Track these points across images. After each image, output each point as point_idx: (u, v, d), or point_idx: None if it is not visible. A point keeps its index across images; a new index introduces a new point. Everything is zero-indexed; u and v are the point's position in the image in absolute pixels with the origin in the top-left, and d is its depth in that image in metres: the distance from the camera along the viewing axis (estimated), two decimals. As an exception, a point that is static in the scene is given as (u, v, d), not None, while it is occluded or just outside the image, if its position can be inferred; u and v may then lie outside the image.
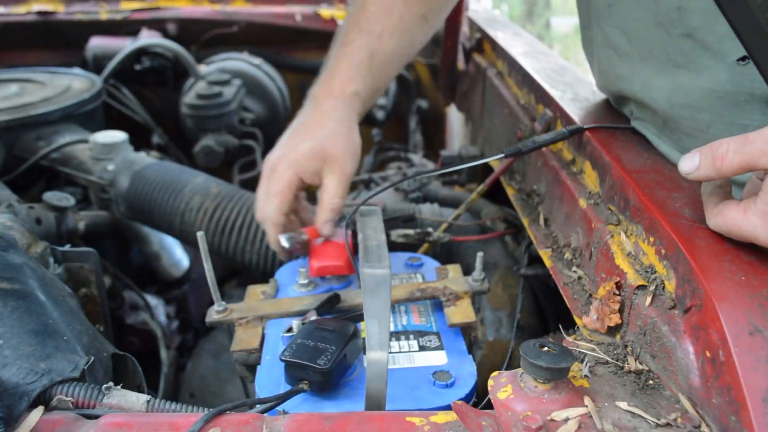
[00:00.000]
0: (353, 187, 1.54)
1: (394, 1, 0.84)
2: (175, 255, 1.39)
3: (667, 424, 0.43)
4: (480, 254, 0.71)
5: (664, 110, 0.65)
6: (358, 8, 0.85)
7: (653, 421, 0.43)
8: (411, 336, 0.68)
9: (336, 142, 0.76)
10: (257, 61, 1.81)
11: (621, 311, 0.55)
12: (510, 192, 0.92)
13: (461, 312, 0.69)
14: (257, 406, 0.53)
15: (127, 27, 1.84)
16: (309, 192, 0.85)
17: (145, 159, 1.21)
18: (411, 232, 0.93)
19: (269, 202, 0.76)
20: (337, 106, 0.79)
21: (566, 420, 0.42)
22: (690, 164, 0.48)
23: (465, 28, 1.52)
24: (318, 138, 0.76)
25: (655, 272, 0.52)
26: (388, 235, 0.88)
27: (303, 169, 0.75)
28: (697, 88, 0.60)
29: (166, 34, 1.85)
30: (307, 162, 0.75)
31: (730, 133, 0.59)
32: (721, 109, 0.59)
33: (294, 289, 0.76)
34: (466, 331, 0.69)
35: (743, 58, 0.55)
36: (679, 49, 0.60)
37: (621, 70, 0.71)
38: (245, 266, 1.04)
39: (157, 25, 1.86)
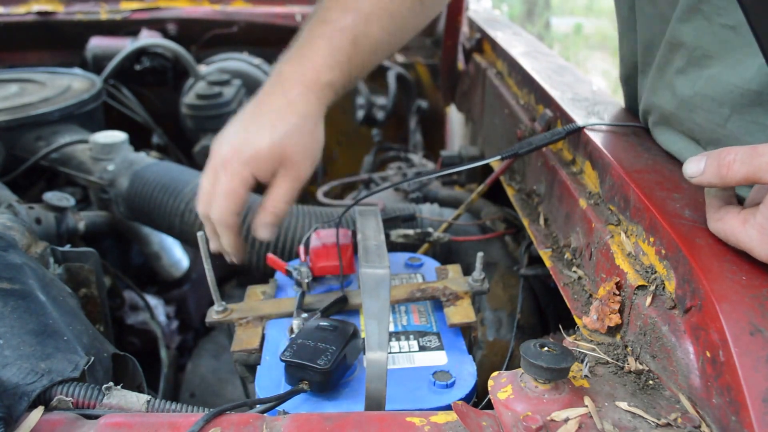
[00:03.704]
0: (353, 187, 1.55)
1: None
2: (175, 255, 1.39)
3: (667, 424, 0.43)
4: (480, 254, 0.71)
5: (684, 98, 0.63)
6: None
7: (653, 421, 0.43)
8: (411, 336, 0.68)
9: (297, 141, 0.68)
10: (257, 61, 1.81)
11: (621, 311, 0.55)
12: (510, 192, 0.92)
13: (461, 312, 0.69)
14: (257, 406, 0.53)
15: (127, 27, 1.84)
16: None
17: (145, 159, 1.21)
18: (411, 232, 0.93)
19: (221, 202, 0.68)
20: (306, 97, 0.69)
21: (566, 420, 0.42)
22: (695, 168, 0.48)
23: (465, 28, 1.52)
24: (279, 134, 0.67)
25: (656, 272, 0.52)
26: (387, 235, 0.88)
27: (258, 168, 0.68)
28: (724, 81, 0.58)
29: (166, 34, 1.85)
30: (263, 162, 0.68)
31: (747, 131, 0.58)
32: (742, 105, 0.58)
33: (294, 289, 0.76)
34: (466, 331, 0.69)
35: None
36: (718, 39, 0.58)
37: (652, 37, 0.68)
38: (245, 266, 1.04)
39: (157, 25, 1.86)
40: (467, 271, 0.76)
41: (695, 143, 0.65)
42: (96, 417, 0.47)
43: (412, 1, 0.76)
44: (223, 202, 0.68)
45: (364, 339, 0.60)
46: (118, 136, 1.24)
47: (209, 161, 0.71)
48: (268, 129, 0.68)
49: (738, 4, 0.51)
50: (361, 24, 0.72)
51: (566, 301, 0.64)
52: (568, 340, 0.55)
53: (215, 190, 0.69)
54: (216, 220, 0.69)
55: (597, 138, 0.71)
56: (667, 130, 0.68)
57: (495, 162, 0.84)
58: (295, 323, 0.67)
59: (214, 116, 1.54)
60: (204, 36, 1.90)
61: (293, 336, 0.63)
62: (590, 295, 0.61)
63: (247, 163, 0.67)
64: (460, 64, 1.51)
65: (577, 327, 0.58)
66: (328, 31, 0.71)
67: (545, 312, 0.95)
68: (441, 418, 0.45)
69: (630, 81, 0.80)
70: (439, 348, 0.66)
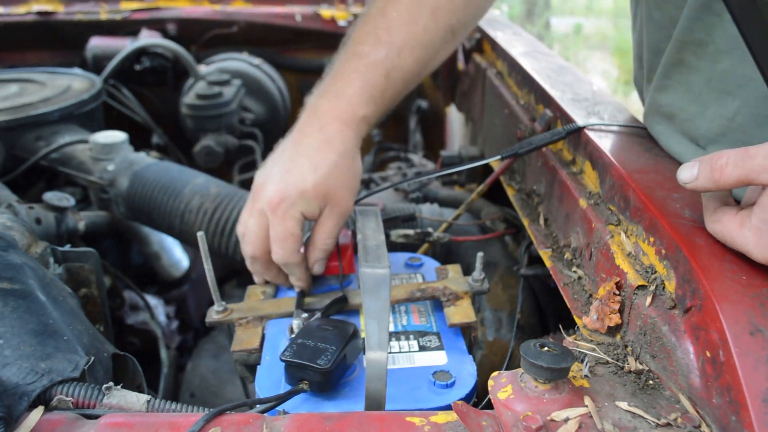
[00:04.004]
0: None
1: (420, 9, 0.74)
2: (175, 255, 1.39)
3: (667, 424, 0.43)
4: (480, 254, 0.71)
5: (696, 94, 0.63)
6: (377, 12, 0.75)
7: (653, 421, 0.43)
8: (411, 336, 0.68)
9: (340, 179, 0.71)
10: (257, 61, 1.81)
11: (621, 311, 0.55)
12: (510, 192, 0.92)
13: (461, 312, 0.69)
14: (257, 406, 0.53)
15: (127, 27, 1.84)
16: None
17: (145, 159, 1.21)
18: (411, 232, 0.93)
19: (283, 246, 0.70)
20: (344, 134, 0.71)
21: (566, 420, 0.42)
22: (689, 174, 0.48)
23: (465, 28, 1.52)
24: (322, 173, 0.69)
25: (655, 272, 0.52)
26: (387, 235, 0.88)
27: (307, 207, 0.70)
28: (737, 74, 0.59)
29: (166, 34, 1.85)
30: (310, 201, 0.70)
31: (756, 122, 0.59)
32: (752, 97, 0.58)
33: (294, 289, 0.76)
34: (466, 331, 0.69)
35: None
36: (728, 34, 0.59)
37: (659, 42, 0.69)
38: (245, 266, 1.04)
39: (157, 25, 1.86)
40: (467, 271, 0.76)
41: (695, 145, 0.65)
42: (96, 417, 0.47)
43: (444, 31, 0.76)
44: (285, 245, 0.70)
45: (364, 339, 0.60)
46: (118, 136, 1.24)
47: (252, 201, 0.73)
48: (310, 169, 0.69)
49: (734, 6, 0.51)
50: (394, 57, 0.73)
51: (566, 301, 0.64)
52: (568, 340, 0.55)
53: (273, 237, 0.70)
54: (282, 263, 0.72)
55: (597, 138, 0.71)
56: (671, 132, 0.68)
57: (495, 162, 0.84)
58: (295, 323, 0.67)
59: (214, 116, 1.54)
60: (204, 36, 1.89)
61: (293, 336, 0.63)
62: (590, 295, 0.61)
63: (296, 204, 0.69)
64: (460, 64, 1.51)
65: (577, 327, 0.58)
66: (362, 66, 0.73)
67: (545, 312, 0.95)
68: (441, 418, 0.45)
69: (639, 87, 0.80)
70: (439, 348, 0.66)
